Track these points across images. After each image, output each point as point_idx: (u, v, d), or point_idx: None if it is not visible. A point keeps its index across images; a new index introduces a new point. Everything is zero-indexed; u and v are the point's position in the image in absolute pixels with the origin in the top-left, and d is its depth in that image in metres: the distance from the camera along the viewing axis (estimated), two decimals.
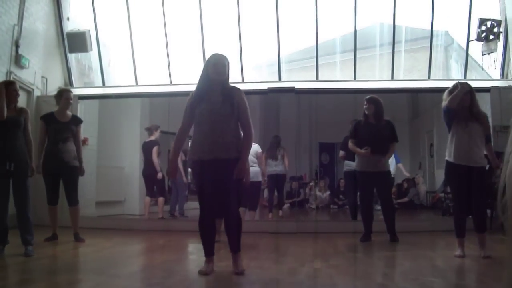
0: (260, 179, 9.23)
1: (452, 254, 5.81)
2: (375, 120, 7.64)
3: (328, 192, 16.29)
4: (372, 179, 7.59)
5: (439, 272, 5.10)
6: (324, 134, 18.25)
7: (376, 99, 7.71)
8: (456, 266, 5.47)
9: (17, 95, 6.24)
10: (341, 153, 9.98)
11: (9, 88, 6.18)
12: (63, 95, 7.56)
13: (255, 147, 8.90)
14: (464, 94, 5.83)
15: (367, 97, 7.77)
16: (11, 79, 8.49)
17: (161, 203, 10.58)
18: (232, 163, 4.88)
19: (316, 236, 8.40)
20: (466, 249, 5.84)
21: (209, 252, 5.07)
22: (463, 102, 5.85)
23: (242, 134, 5.05)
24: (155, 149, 10.52)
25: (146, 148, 10.66)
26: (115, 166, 12.07)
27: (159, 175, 10.48)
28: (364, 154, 7.52)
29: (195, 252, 6.90)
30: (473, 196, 5.80)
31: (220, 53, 5.12)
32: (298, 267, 5.40)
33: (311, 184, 16.57)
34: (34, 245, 6.09)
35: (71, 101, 7.62)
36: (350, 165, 9.30)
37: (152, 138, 10.67)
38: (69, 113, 7.60)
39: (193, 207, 12.32)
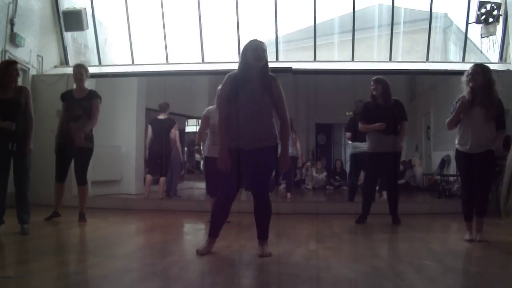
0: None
1: (447, 237, 5.83)
2: (384, 100, 7.58)
3: (325, 173, 16.30)
4: (383, 160, 7.55)
5: (435, 255, 5.09)
6: (321, 115, 18.24)
7: (383, 79, 7.65)
8: (452, 249, 5.47)
9: (17, 75, 6.17)
10: (348, 134, 9.95)
11: (10, 67, 6.13)
12: (73, 70, 7.51)
13: None
14: (475, 74, 5.73)
15: (374, 77, 7.70)
16: (7, 57, 8.42)
17: (163, 182, 10.52)
18: (268, 151, 4.88)
19: (312, 217, 8.39)
20: (461, 233, 5.83)
21: (215, 234, 5.06)
22: (474, 82, 5.74)
23: (280, 123, 4.99)
24: (174, 129, 10.53)
25: (159, 125, 10.55)
26: (111, 145, 12.02)
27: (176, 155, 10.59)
28: (380, 127, 7.45)
29: (191, 232, 6.92)
30: (477, 180, 5.76)
31: (256, 38, 5.03)
32: (294, 248, 5.41)
33: (307, 164, 16.59)
34: (30, 224, 6.08)
35: (80, 76, 7.40)
36: (358, 147, 9.28)
37: (165, 115, 10.60)
38: (86, 88, 7.46)
39: (188, 186, 12.36)
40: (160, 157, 10.52)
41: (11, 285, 3.65)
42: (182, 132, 11.42)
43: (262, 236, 5.02)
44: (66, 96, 7.40)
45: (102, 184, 11.29)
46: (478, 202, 5.80)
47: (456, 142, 5.96)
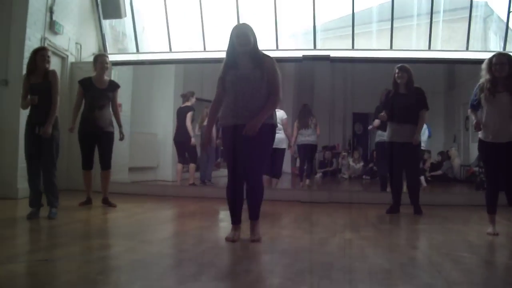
0: (284, 146, 9.21)
1: (485, 230, 5.70)
2: (406, 89, 7.47)
3: (361, 163, 16.21)
4: (401, 149, 7.47)
5: (471, 248, 5.02)
6: (358, 104, 18.12)
7: (408, 67, 7.53)
8: (489, 242, 5.38)
9: (44, 60, 6.22)
10: (376, 121, 9.86)
11: (38, 53, 6.26)
12: (97, 59, 7.58)
13: (281, 113, 8.86)
14: (502, 64, 5.59)
15: (399, 65, 7.57)
16: (45, 45, 8.53)
17: (192, 169, 10.61)
18: (262, 129, 4.82)
19: (348, 206, 8.35)
20: (498, 225, 5.73)
21: (236, 220, 5.08)
22: (499, 72, 5.60)
23: (270, 95, 4.93)
24: (189, 114, 10.52)
25: (180, 114, 10.67)
26: (148, 132, 12.13)
27: (192, 141, 10.52)
28: (381, 118, 7.38)
29: (225, 219, 6.92)
30: (506, 171, 5.65)
31: (241, 23, 5.12)
32: (329, 237, 5.38)
33: (344, 154, 16.52)
34: (67, 208, 6.18)
35: (107, 66, 7.57)
36: (383, 135, 9.20)
37: (188, 104, 10.66)
38: (106, 78, 7.62)
39: (225, 174, 12.37)
40: (184, 145, 10.63)
41: (48, 267, 3.70)
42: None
43: (253, 216, 5.03)
44: (88, 84, 7.46)
45: (139, 170, 11.41)
46: (508, 193, 5.67)
47: (480, 133, 5.82)
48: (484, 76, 5.70)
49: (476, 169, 13.34)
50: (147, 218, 6.93)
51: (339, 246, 4.91)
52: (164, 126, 12.23)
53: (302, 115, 10.38)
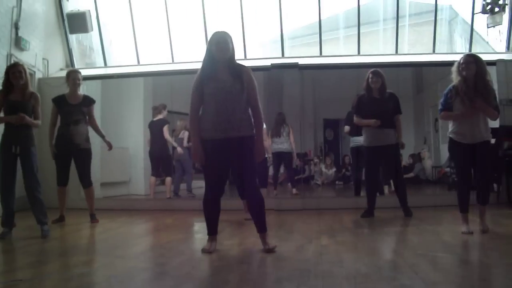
0: (266, 155, 9.21)
1: (460, 229, 5.76)
2: (380, 93, 7.54)
3: (334, 169, 16.28)
4: (381, 153, 7.52)
5: (447, 247, 5.06)
6: (328, 110, 18.22)
7: (381, 72, 7.60)
8: (464, 241, 5.43)
9: (17, 77, 6.16)
10: (346, 128, 9.92)
11: (10, 70, 6.22)
12: (70, 75, 7.52)
13: None
14: (468, 63, 5.66)
15: (372, 70, 7.63)
16: (12, 61, 8.46)
17: (169, 182, 10.58)
18: (245, 141, 4.85)
19: (322, 212, 8.37)
20: (471, 224, 5.78)
21: (212, 231, 5.09)
22: (466, 70, 5.67)
23: (251, 112, 4.96)
24: (166, 127, 10.52)
25: (154, 127, 10.61)
26: (119, 146, 12.01)
27: (179, 150, 10.69)
28: (374, 124, 7.43)
29: (200, 231, 6.88)
30: (477, 170, 5.73)
31: (221, 30, 5.03)
32: (305, 244, 5.38)
33: (316, 160, 16.57)
34: (48, 224, 6.14)
35: (79, 82, 7.52)
36: (357, 140, 9.25)
37: (160, 116, 10.63)
38: (80, 94, 7.56)
39: (198, 186, 12.33)
40: (160, 158, 10.62)
41: (23, 287, 3.64)
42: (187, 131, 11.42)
43: (261, 230, 5.03)
44: (61, 102, 7.40)
45: (111, 185, 11.32)
46: (481, 191, 5.75)
47: (450, 131, 5.89)
48: (455, 79, 5.76)
49: (448, 169, 13.49)
50: (122, 233, 6.87)
51: (316, 252, 4.91)
52: (135, 140, 12.16)
53: (275, 124, 10.43)
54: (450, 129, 5.89)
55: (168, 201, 10.28)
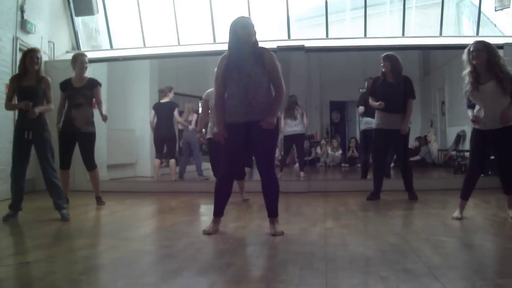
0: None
1: (463, 213, 5.75)
2: (393, 77, 7.53)
3: (340, 151, 16.30)
4: (388, 137, 7.53)
5: (450, 232, 5.08)
6: (335, 93, 18.23)
7: (392, 56, 7.58)
8: (467, 225, 5.44)
9: (33, 62, 6.18)
10: (361, 108, 9.90)
11: (27, 55, 6.23)
12: (77, 59, 7.49)
13: None
14: (478, 51, 5.60)
15: (383, 54, 7.65)
16: (18, 45, 8.49)
17: (173, 165, 10.61)
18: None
19: (327, 195, 8.39)
20: (476, 208, 5.78)
21: (219, 213, 5.15)
22: (476, 59, 5.60)
23: (274, 90, 5.01)
24: (176, 111, 10.59)
25: (162, 110, 10.61)
26: (125, 129, 12.07)
27: (190, 128, 11.08)
28: (379, 107, 7.43)
29: (206, 213, 6.93)
30: (500, 157, 5.68)
31: (243, 16, 5.14)
32: (310, 227, 5.42)
33: (322, 142, 16.59)
34: (49, 209, 6.18)
35: (86, 65, 7.50)
36: (369, 122, 9.25)
37: (167, 99, 10.65)
38: (85, 77, 7.52)
39: (205, 168, 12.39)
40: (166, 141, 10.65)
41: (30, 270, 3.67)
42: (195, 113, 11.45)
43: (272, 214, 5.08)
44: (67, 85, 7.40)
45: (118, 167, 11.37)
46: (504, 180, 5.71)
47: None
48: (465, 68, 5.70)
49: (454, 153, 13.49)
50: (128, 216, 6.91)
51: (320, 235, 4.93)
52: (141, 122, 12.17)
53: (288, 106, 10.45)
54: (471, 119, 5.80)
55: (174, 183, 10.31)
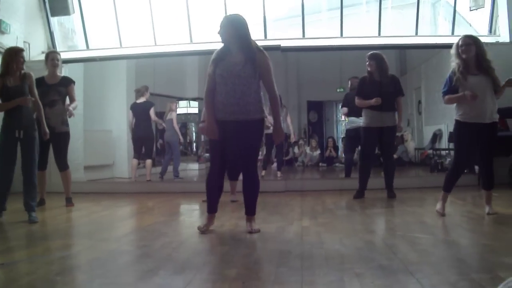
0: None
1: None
2: (380, 76, 7.57)
3: (318, 151, 16.37)
4: (379, 134, 7.58)
5: (427, 228, 5.12)
6: (312, 92, 18.32)
7: (377, 55, 7.62)
8: (443, 222, 5.49)
9: (23, 62, 6.20)
10: (344, 109, 9.96)
11: (18, 55, 6.18)
12: (48, 56, 7.49)
13: None
14: (467, 45, 5.66)
15: (369, 53, 7.69)
16: None
17: (149, 165, 10.58)
18: (253, 125, 4.92)
19: (305, 194, 8.42)
20: (453, 205, 5.84)
21: (211, 209, 5.17)
22: (466, 53, 5.64)
23: (267, 96, 5.04)
24: (152, 110, 10.57)
25: (138, 109, 10.59)
26: (102, 129, 12.01)
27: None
28: (375, 103, 7.45)
29: (184, 213, 6.93)
30: (483, 153, 5.73)
31: (230, 14, 5.12)
32: (287, 225, 5.42)
33: (301, 142, 16.65)
34: (21, 211, 6.12)
35: (57, 62, 7.45)
36: (354, 122, 9.31)
37: (143, 99, 10.63)
38: (59, 75, 7.50)
39: (182, 168, 12.40)
40: (143, 141, 10.60)
41: (5, 271, 3.64)
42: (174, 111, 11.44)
43: (250, 213, 5.13)
44: (40, 82, 7.26)
45: (95, 169, 11.32)
46: (485, 175, 5.78)
47: (458, 115, 5.81)
48: (454, 61, 5.76)
49: (430, 151, 13.60)
50: (105, 216, 6.87)
51: (296, 233, 4.95)
52: (118, 123, 12.14)
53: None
54: (457, 113, 5.82)
55: (152, 184, 10.30)
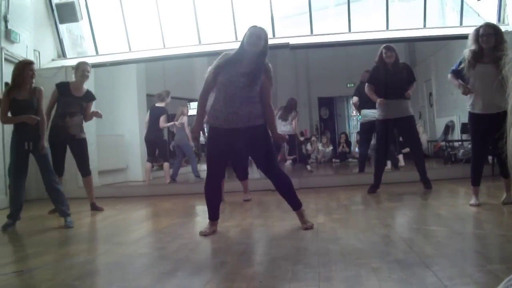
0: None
1: (454, 203, 5.83)
2: (395, 66, 7.57)
3: (331, 147, 16.37)
4: (394, 126, 7.56)
5: (442, 221, 5.11)
6: (322, 89, 18.29)
7: (393, 46, 7.65)
8: (458, 214, 5.48)
9: (32, 75, 6.20)
10: (355, 98, 10.00)
11: (26, 68, 6.18)
12: (79, 67, 7.48)
13: None
14: (489, 36, 5.62)
15: (385, 45, 7.69)
16: (3, 55, 8.46)
17: (167, 168, 10.65)
18: (255, 129, 4.94)
19: (319, 191, 8.42)
20: (467, 197, 5.83)
21: (213, 216, 5.15)
22: (486, 43, 5.57)
23: (265, 110, 5.04)
24: (162, 117, 10.55)
25: (154, 114, 10.64)
26: (115, 134, 12.06)
27: (177, 123, 11.01)
28: (380, 102, 7.44)
29: (199, 214, 6.95)
30: (496, 142, 5.69)
31: (259, 25, 5.06)
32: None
33: (313, 139, 16.67)
34: (44, 217, 6.20)
35: (87, 74, 7.48)
36: (367, 115, 9.31)
37: (162, 104, 10.67)
38: (84, 88, 7.54)
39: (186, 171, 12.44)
40: (155, 144, 10.66)
41: (24, 278, 3.68)
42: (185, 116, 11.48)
43: (295, 207, 5.15)
44: (64, 89, 7.37)
45: (109, 173, 11.37)
46: (501, 164, 5.77)
47: (468, 104, 5.83)
48: (469, 47, 5.70)
49: (443, 143, 13.55)
50: (121, 220, 6.91)
51: (312, 230, 4.95)
52: (130, 126, 12.20)
53: (286, 107, 11.25)
54: (468, 103, 5.83)
55: (166, 186, 10.33)
